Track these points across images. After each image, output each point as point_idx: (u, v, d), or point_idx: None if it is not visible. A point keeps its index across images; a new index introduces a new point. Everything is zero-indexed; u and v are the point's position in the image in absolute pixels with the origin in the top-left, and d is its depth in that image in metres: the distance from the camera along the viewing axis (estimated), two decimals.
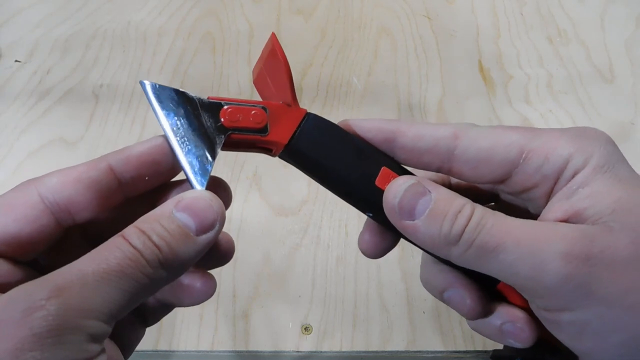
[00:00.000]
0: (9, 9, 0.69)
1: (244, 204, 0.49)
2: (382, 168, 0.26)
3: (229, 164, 0.52)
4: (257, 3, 0.70)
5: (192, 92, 0.25)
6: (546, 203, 0.24)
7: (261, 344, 0.42)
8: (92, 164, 0.24)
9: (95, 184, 0.23)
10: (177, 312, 0.43)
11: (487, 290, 0.27)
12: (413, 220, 0.24)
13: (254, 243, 0.47)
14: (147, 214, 0.23)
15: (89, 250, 0.21)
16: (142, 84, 0.24)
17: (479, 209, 0.23)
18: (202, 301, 0.26)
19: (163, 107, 0.24)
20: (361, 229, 0.29)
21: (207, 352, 0.41)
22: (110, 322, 0.20)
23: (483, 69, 0.62)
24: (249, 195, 0.49)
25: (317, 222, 0.48)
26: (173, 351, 0.41)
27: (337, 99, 0.59)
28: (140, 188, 0.25)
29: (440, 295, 0.28)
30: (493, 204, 0.30)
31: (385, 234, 0.28)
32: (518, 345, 0.26)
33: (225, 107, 0.25)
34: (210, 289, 0.26)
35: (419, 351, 0.41)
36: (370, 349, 0.41)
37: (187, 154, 0.24)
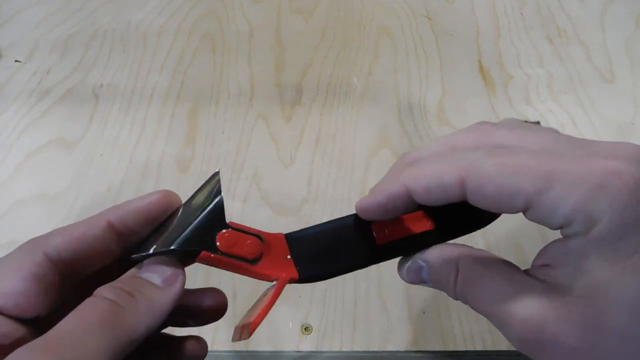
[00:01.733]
0: (9, 9, 0.69)
1: (244, 204, 0.49)
2: (373, 227, 0.28)
3: (229, 164, 0.52)
4: (257, 3, 0.70)
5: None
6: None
7: (261, 344, 0.42)
8: (93, 222, 0.25)
9: (97, 241, 0.25)
10: None
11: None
12: (427, 284, 0.29)
13: None
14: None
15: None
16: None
17: (461, 275, 0.26)
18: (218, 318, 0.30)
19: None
20: None
21: (207, 352, 0.41)
22: None
23: (483, 69, 0.62)
24: (249, 195, 0.49)
25: (317, 222, 0.48)
26: None
27: (337, 99, 0.59)
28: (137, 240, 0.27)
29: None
30: None
31: None
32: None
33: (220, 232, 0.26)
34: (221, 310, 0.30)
35: (419, 351, 0.41)
36: (370, 349, 0.41)
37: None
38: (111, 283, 0.23)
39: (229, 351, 0.41)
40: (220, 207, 0.25)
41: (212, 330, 0.42)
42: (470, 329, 0.42)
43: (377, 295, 0.44)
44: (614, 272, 0.21)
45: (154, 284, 0.24)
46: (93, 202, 0.50)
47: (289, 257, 0.28)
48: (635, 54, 0.63)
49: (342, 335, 0.42)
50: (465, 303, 0.26)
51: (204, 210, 0.25)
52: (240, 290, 0.44)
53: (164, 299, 0.24)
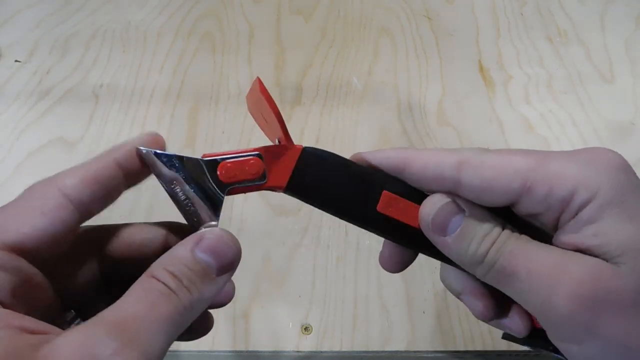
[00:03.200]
0: (9, 9, 0.69)
1: (244, 204, 0.49)
2: (383, 192, 0.26)
3: None
4: (257, 3, 0.70)
5: (192, 151, 0.26)
6: (555, 227, 0.25)
7: (261, 344, 0.42)
8: (102, 162, 0.24)
9: (110, 181, 0.24)
10: None
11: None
12: (445, 236, 0.25)
13: (254, 243, 0.47)
14: (169, 253, 0.23)
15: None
16: (139, 151, 0.25)
17: (505, 233, 0.24)
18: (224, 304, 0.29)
19: (163, 175, 0.25)
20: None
21: (207, 352, 0.41)
22: None
23: (483, 69, 0.62)
24: (249, 195, 0.49)
25: (317, 222, 0.48)
26: (173, 351, 0.41)
27: (337, 99, 0.59)
28: (141, 179, 0.26)
29: (457, 295, 0.29)
30: None
31: (404, 250, 0.29)
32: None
33: (221, 162, 0.26)
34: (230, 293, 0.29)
35: (419, 351, 0.41)
36: (370, 349, 0.41)
37: (192, 214, 0.25)
38: (170, 265, 0.23)
39: (229, 351, 0.41)
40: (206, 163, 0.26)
41: (212, 330, 0.42)
42: (470, 329, 0.42)
43: (377, 295, 0.44)
44: (638, 226, 0.22)
45: (207, 272, 0.23)
46: None
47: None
48: (635, 54, 0.63)
49: (342, 335, 0.42)
50: (494, 261, 0.24)
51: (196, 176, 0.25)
52: (240, 290, 0.44)
53: (214, 292, 0.24)
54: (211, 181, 0.25)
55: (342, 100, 0.58)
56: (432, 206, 0.25)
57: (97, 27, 0.66)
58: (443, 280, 0.30)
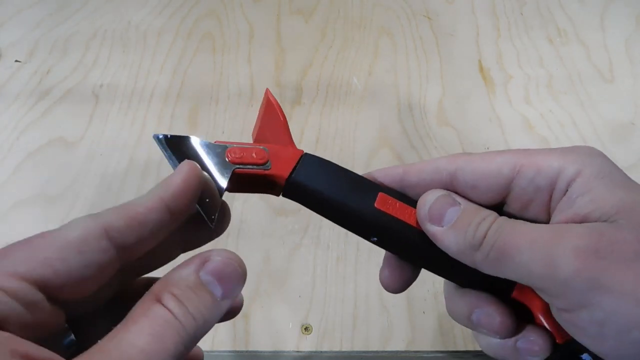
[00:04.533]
0: (9, 9, 0.69)
1: (244, 204, 0.49)
2: (379, 194, 0.28)
3: None
4: (257, 3, 0.70)
5: (202, 134, 0.26)
6: (547, 217, 0.25)
7: (261, 344, 0.42)
8: (150, 202, 0.23)
9: (156, 223, 0.23)
10: None
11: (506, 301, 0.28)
12: (441, 226, 0.26)
13: (254, 243, 0.47)
14: (172, 273, 0.23)
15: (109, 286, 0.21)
16: (156, 137, 0.26)
17: (502, 217, 0.25)
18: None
19: (175, 155, 0.27)
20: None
21: (207, 352, 0.41)
22: None
23: (483, 69, 0.62)
24: (249, 196, 0.49)
25: (317, 222, 0.48)
26: None
27: (337, 99, 0.59)
28: (184, 217, 0.25)
29: (468, 320, 0.28)
30: None
31: (404, 267, 0.30)
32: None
33: (230, 148, 0.27)
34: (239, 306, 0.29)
35: (419, 351, 0.41)
36: (370, 349, 0.41)
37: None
38: (175, 288, 0.22)
39: (229, 351, 0.41)
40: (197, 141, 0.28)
41: (212, 330, 0.42)
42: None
43: (377, 295, 0.44)
44: (627, 192, 0.23)
45: (214, 300, 0.22)
46: (93, 202, 0.50)
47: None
48: (635, 54, 0.63)
49: (342, 335, 0.42)
50: (492, 244, 0.24)
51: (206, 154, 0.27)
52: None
53: (218, 317, 0.23)
54: (219, 161, 0.27)
55: (342, 100, 0.58)
56: (430, 197, 0.27)
57: (97, 27, 0.66)
58: (451, 311, 0.30)
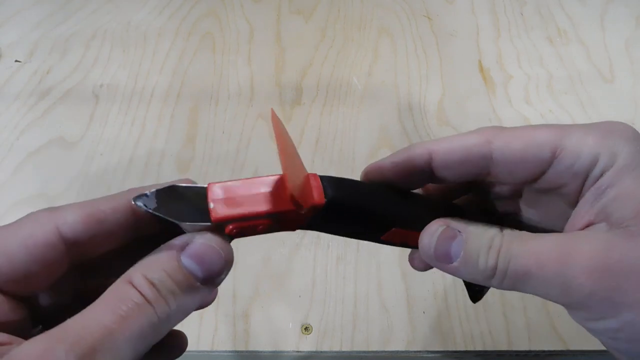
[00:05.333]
0: (9, 9, 0.69)
1: None
2: (392, 230, 0.26)
3: (229, 164, 0.52)
4: (257, 3, 0.70)
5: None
6: (576, 199, 0.25)
7: (261, 344, 0.42)
8: (115, 202, 0.22)
9: (115, 224, 0.22)
10: None
11: None
12: (451, 263, 0.25)
13: (254, 243, 0.47)
14: (151, 256, 0.22)
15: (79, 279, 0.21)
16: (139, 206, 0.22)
17: (507, 237, 0.24)
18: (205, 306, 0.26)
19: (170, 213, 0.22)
20: None
21: (207, 352, 0.41)
22: None
23: (483, 69, 0.62)
24: None
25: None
26: None
27: (337, 99, 0.59)
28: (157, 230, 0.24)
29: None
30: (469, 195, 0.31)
31: None
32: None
33: (230, 224, 0.23)
34: (214, 293, 0.26)
35: (419, 351, 0.41)
36: (370, 349, 0.41)
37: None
38: (149, 271, 0.21)
39: (229, 351, 0.41)
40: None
41: (212, 330, 0.42)
42: (470, 329, 0.42)
43: (377, 295, 0.44)
44: None
45: (192, 283, 0.21)
46: None
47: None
48: (635, 54, 0.63)
49: (342, 335, 0.42)
50: (506, 267, 0.23)
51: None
52: (240, 290, 0.44)
53: (196, 302, 0.22)
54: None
55: (342, 100, 0.58)
56: (430, 239, 0.25)
57: (97, 27, 0.67)
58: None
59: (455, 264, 0.25)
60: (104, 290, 0.20)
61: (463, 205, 0.30)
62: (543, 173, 0.24)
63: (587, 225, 0.23)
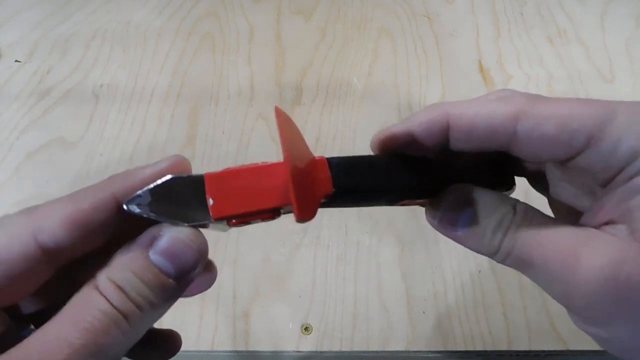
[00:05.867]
0: (9, 9, 0.69)
1: None
2: (404, 200, 0.25)
3: (229, 164, 0.52)
4: (257, 3, 0.70)
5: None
6: (607, 183, 0.22)
7: (261, 344, 0.42)
8: (97, 197, 0.21)
9: (99, 223, 0.20)
10: (177, 312, 0.43)
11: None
12: (456, 231, 0.23)
13: (254, 243, 0.47)
14: (118, 255, 0.20)
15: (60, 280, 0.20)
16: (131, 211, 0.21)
17: (517, 219, 0.22)
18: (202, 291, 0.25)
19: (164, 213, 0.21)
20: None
21: (207, 352, 0.41)
22: None
23: (483, 69, 0.62)
24: None
25: (317, 222, 0.48)
26: None
27: (337, 99, 0.59)
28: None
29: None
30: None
31: None
32: None
33: (232, 220, 0.22)
34: (211, 280, 0.25)
35: (419, 351, 0.41)
36: (370, 349, 0.41)
37: None
38: (116, 273, 0.20)
39: (229, 351, 0.41)
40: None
41: (212, 330, 0.42)
42: (470, 329, 0.42)
43: (377, 295, 0.44)
44: None
45: (164, 281, 0.20)
46: None
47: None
48: (635, 54, 0.63)
49: (342, 335, 0.42)
50: (509, 252, 0.22)
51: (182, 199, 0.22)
52: (240, 290, 0.44)
53: (172, 299, 0.21)
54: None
55: (342, 100, 0.58)
56: (439, 202, 0.24)
57: (97, 27, 0.67)
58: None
59: (459, 232, 0.23)
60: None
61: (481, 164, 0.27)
62: (572, 158, 0.22)
63: (607, 223, 0.22)
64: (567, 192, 0.25)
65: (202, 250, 0.21)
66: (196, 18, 0.68)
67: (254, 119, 0.56)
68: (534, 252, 0.22)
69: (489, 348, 0.41)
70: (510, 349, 0.41)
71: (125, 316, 0.19)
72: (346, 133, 0.55)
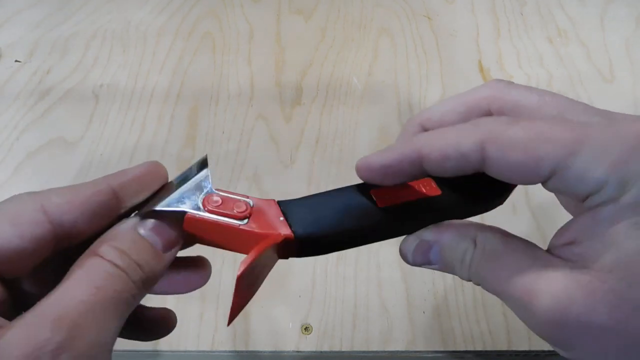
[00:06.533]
0: (9, 9, 0.69)
1: None
2: (370, 191, 0.26)
3: (229, 164, 0.52)
4: (257, 3, 0.70)
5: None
6: (574, 203, 0.24)
7: (261, 344, 0.42)
8: (97, 187, 0.23)
9: (99, 207, 0.23)
10: (177, 312, 0.43)
11: None
12: (432, 266, 0.26)
13: None
14: (111, 231, 0.23)
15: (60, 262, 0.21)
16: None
17: (477, 254, 0.24)
18: (200, 286, 0.27)
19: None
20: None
21: (207, 352, 0.41)
22: (112, 352, 0.20)
23: (483, 69, 0.62)
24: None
25: None
26: (173, 351, 0.41)
27: (337, 99, 0.59)
28: (135, 208, 0.25)
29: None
30: None
31: None
32: None
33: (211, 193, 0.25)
34: (205, 277, 0.28)
35: (419, 351, 0.41)
36: (370, 349, 0.41)
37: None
38: (116, 242, 0.22)
39: (229, 351, 0.41)
40: (205, 174, 0.25)
41: (212, 330, 0.42)
42: (470, 329, 0.42)
43: (377, 295, 0.44)
44: None
45: (154, 249, 0.23)
46: None
47: (282, 218, 0.25)
48: (635, 54, 0.63)
49: (342, 335, 0.42)
50: (478, 283, 0.24)
51: (190, 179, 0.25)
52: None
53: (163, 269, 0.23)
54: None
55: (342, 100, 0.58)
56: (407, 251, 0.26)
57: (97, 27, 0.67)
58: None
59: (438, 265, 0.26)
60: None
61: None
62: (544, 182, 0.22)
63: (570, 243, 0.22)
64: (561, 198, 0.27)
65: (177, 236, 0.24)
66: (196, 18, 0.68)
67: (254, 119, 0.56)
68: (496, 287, 0.23)
69: (488, 348, 0.41)
70: (510, 349, 0.41)
71: (129, 277, 0.21)
72: (346, 133, 0.55)
